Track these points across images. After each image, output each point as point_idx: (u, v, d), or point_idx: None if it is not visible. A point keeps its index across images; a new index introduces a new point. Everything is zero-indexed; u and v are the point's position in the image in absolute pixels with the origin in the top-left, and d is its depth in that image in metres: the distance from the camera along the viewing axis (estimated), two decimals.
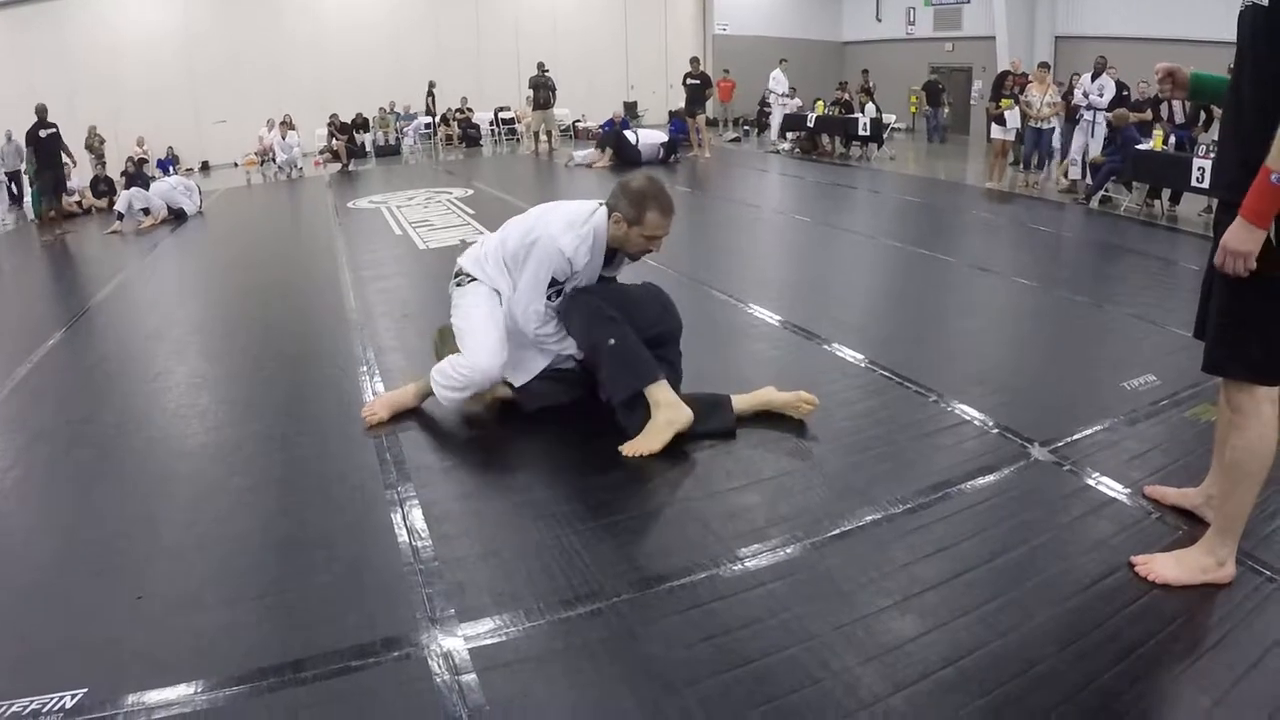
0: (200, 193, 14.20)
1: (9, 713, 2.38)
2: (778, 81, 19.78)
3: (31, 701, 2.41)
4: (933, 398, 4.27)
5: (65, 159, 15.23)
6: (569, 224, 3.91)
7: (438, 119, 23.13)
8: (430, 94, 22.91)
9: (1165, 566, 2.80)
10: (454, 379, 4.06)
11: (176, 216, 13.16)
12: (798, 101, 20.87)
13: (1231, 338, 2.61)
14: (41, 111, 14.73)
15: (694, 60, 18.58)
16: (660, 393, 3.81)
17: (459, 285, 4.23)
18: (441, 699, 2.37)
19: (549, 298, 3.97)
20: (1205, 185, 9.19)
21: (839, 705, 2.27)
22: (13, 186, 16.11)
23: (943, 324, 5.91)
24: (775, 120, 20.30)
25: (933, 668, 2.40)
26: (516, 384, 4.17)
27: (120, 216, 12.95)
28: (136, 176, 14.81)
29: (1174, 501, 3.23)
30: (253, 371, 5.48)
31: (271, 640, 2.68)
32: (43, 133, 14.76)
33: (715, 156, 17.46)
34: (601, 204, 3.98)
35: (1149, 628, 2.57)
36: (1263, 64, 2.44)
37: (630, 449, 3.76)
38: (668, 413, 3.79)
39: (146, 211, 13.10)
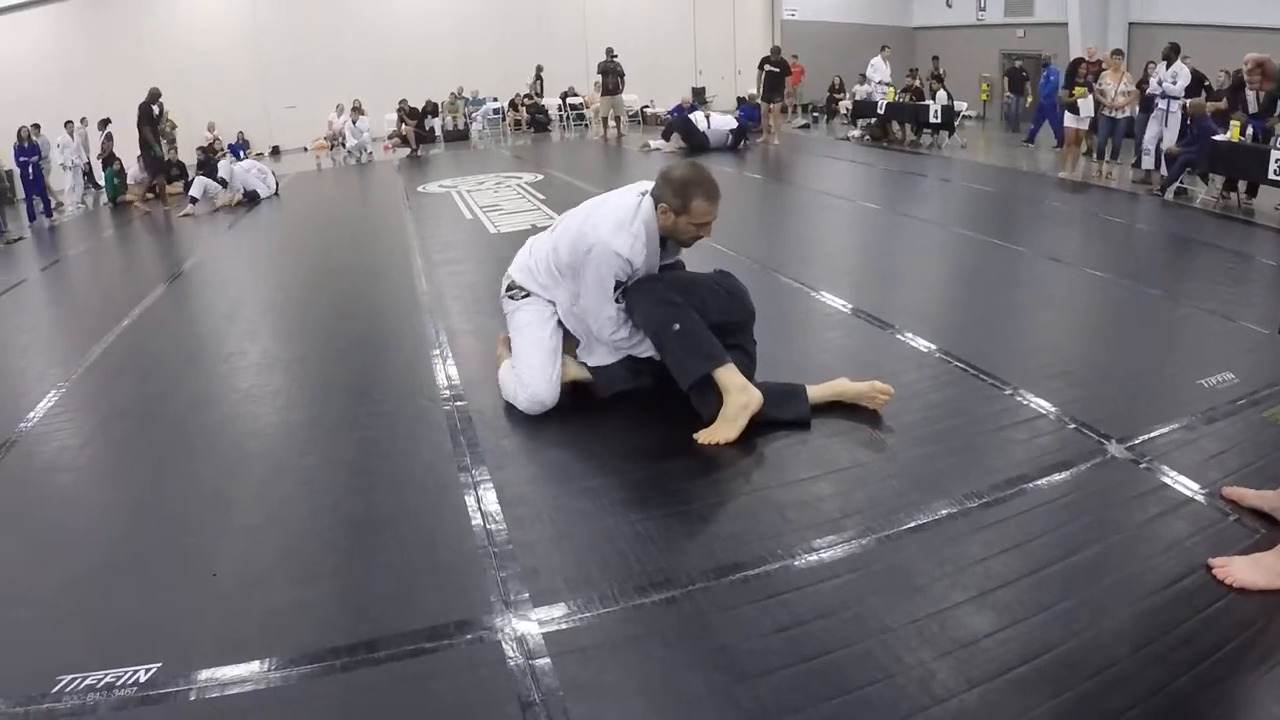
0: (275, 177, 14.39)
1: (84, 685, 2.43)
2: (877, 69, 18.98)
3: (106, 674, 2.46)
4: (1006, 390, 4.21)
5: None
6: (618, 224, 3.85)
7: (526, 102, 23.31)
8: (538, 78, 23.14)
9: (1243, 570, 2.75)
10: (514, 396, 4.15)
11: (250, 199, 13.36)
12: (868, 88, 20.69)
13: None
14: (154, 94, 15.33)
15: (775, 49, 18.39)
16: (730, 377, 3.78)
17: (511, 299, 4.26)
18: (515, 682, 2.39)
19: (616, 300, 3.94)
20: None
21: (913, 700, 2.26)
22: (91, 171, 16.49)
23: (1015, 315, 5.83)
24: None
25: (1008, 665, 2.37)
26: (591, 364, 4.17)
27: (193, 200, 13.17)
28: (205, 164, 15.08)
29: (1253, 504, 3.16)
30: (325, 353, 5.57)
31: (344, 620, 2.71)
32: (156, 109, 15.39)
33: (784, 143, 17.35)
34: (645, 193, 3.92)
35: (1225, 632, 2.52)
36: None
37: (705, 437, 3.75)
38: (739, 397, 3.76)
39: (224, 185, 13.36)
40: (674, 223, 3.84)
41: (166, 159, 15.68)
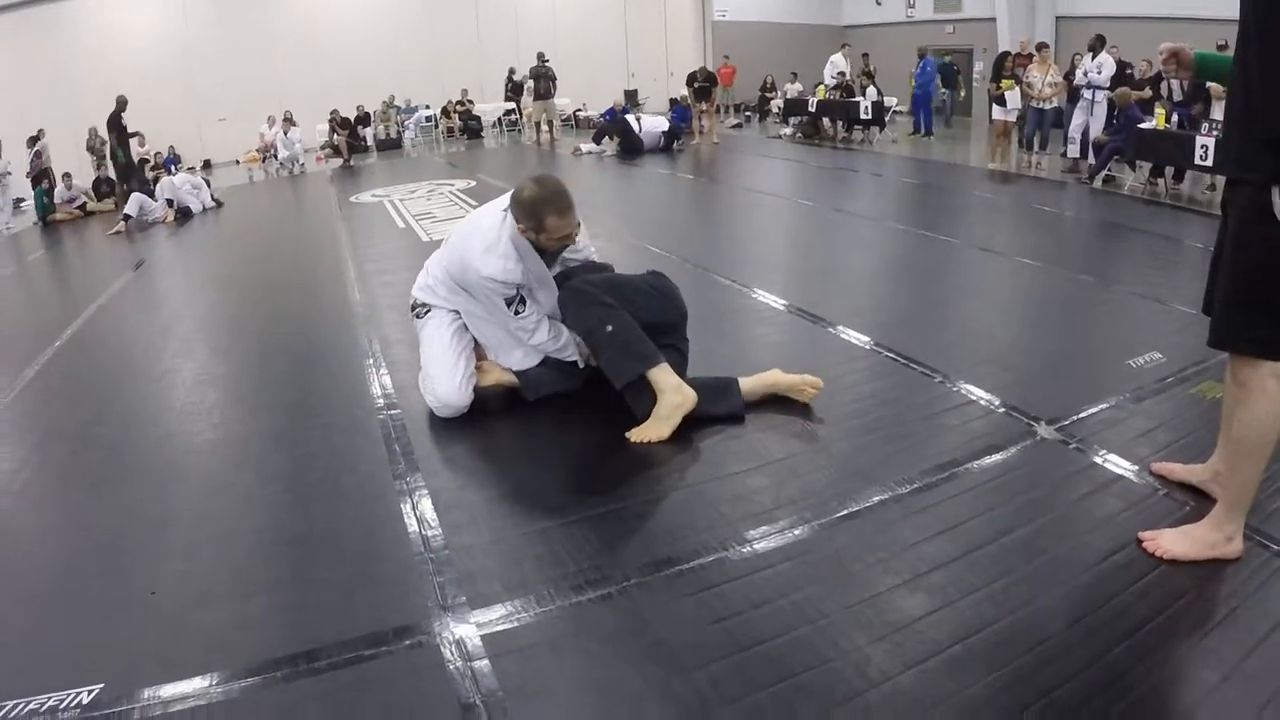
0: (211, 188, 14.23)
1: (27, 710, 2.40)
2: (837, 66, 18.90)
3: (49, 698, 2.43)
4: (938, 378, 4.27)
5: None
6: (487, 248, 3.87)
7: (459, 109, 23.27)
8: (510, 80, 23.18)
9: (1173, 542, 2.81)
10: (430, 401, 4.19)
11: (183, 215, 13.19)
12: (799, 86, 20.82)
13: (1240, 312, 2.61)
14: (122, 102, 15.84)
15: (702, 69, 18.93)
16: (663, 377, 3.81)
17: (418, 317, 4.30)
18: (454, 685, 2.39)
19: (517, 312, 3.96)
20: (1209, 163, 9.17)
21: (849, 684, 2.29)
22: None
23: (948, 305, 5.91)
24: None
25: (942, 646, 2.41)
26: (510, 367, 4.19)
27: (126, 219, 12.92)
28: (142, 181, 14.94)
29: (1181, 478, 3.23)
30: (259, 367, 5.51)
31: (284, 632, 2.70)
32: (124, 121, 15.95)
33: (717, 143, 17.45)
34: (507, 209, 3.92)
35: (1157, 604, 2.57)
36: (1270, 40, 2.43)
37: (638, 435, 3.77)
38: (673, 397, 3.79)
39: (170, 204, 13.23)
40: (536, 239, 3.87)
41: (122, 164, 15.89)
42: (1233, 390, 2.74)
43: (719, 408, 3.92)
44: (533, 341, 4.05)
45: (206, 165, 21.71)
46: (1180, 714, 2.24)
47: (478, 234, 3.94)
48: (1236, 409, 2.71)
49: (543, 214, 3.77)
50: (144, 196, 13.27)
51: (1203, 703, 2.23)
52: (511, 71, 23.18)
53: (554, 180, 3.89)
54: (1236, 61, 2.59)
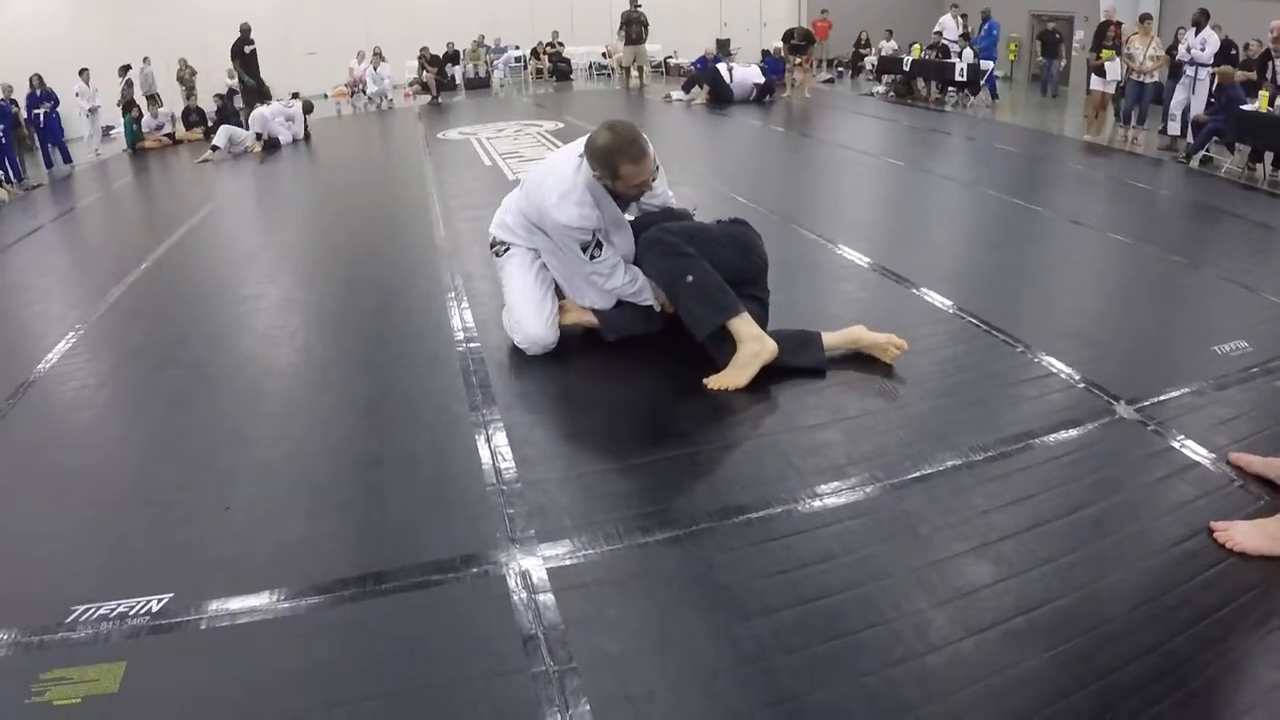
0: (306, 120, 14.37)
1: (97, 614, 2.49)
2: (947, 27, 18.31)
3: (119, 604, 2.52)
4: (1020, 348, 4.21)
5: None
6: (562, 195, 3.84)
7: (549, 51, 23.08)
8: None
9: (1245, 535, 2.75)
10: (517, 340, 4.21)
11: (270, 146, 13.39)
12: (894, 44, 20.47)
13: None
14: (245, 29, 16.50)
15: (799, 28, 18.53)
16: (744, 326, 3.79)
17: (497, 255, 4.31)
18: (518, 615, 2.43)
19: (592, 257, 3.95)
20: None
21: (908, 646, 2.29)
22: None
23: (1034, 275, 5.80)
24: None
25: (1004, 616, 2.39)
26: (595, 306, 4.20)
27: (214, 149, 13.15)
28: (225, 110, 15.17)
29: (1259, 470, 3.15)
30: (344, 296, 5.61)
31: (353, 552, 2.76)
32: (247, 49, 16.52)
33: (809, 98, 17.23)
34: (583, 155, 3.90)
35: (1223, 596, 2.52)
36: None
37: (715, 382, 3.76)
38: (752, 345, 3.77)
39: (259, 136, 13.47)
40: (613, 186, 3.87)
41: (251, 88, 16.37)
42: None
43: (800, 359, 3.89)
44: (608, 286, 4.05)
45: (295, 97, 21.92)
46: (1236, 711, 2.19)
47: (553, 179, 3.93)
48: None
49: (617, 162, 3.76)
50: (233, 128, 13.51)
51: (1261, 702, 2.18)
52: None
53: (627, 127, 3.85)
54: None
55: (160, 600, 2.53)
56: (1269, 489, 3.05)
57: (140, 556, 2.82)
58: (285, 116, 14.00)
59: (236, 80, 16.94)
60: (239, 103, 16.17)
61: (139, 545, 2.90)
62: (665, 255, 3.87)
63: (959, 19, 18.72)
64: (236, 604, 2.52)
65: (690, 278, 3.79)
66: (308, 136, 14.26)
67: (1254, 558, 2.68)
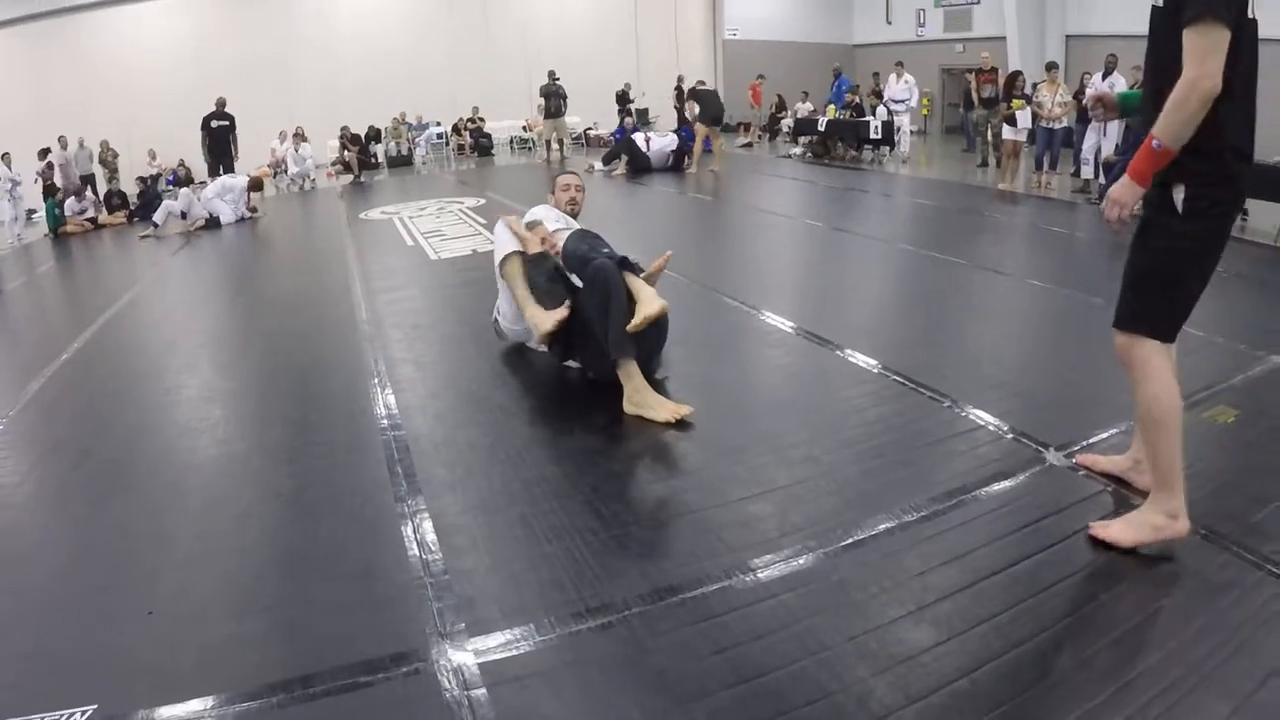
0: (249, 196, 14.30)
1: None
2: (893, 88, 18.04)
3: (44, 718, 2.42)
4: (946, 403, 4.24)
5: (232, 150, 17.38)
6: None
7: (470, 127, 23.21)
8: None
9: (1121, 531, 2.93)
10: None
11: (212, 224, 13.42)
12: (809, 105, 20.79)
13: (1142, 297, 2.92)
14: (220, 103, 17.00)
15: (714, 95, 18.23)
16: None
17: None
18: (451, 715, 2.36)
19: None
20: None
21: (851, 718, 2.25)
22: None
23: (956, 328, 5.87)
24: (904, 130, 17.84)
25: (946, 679, 2.38)
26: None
27: (155, 225, 13.35)
28: (147, 194, 15.07)
29: (1105, 469, 3.43)
30: (264, 384, 5.51)
31: (281, 655, 2.68)
32: (214, 123, 16.99)
33: (726, 162, 17.37)
34: None
35: (1165, 636, 2.55)
36: (1164, 55, 2.69)
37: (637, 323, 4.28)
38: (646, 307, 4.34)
39: (184, 216, 13.56)
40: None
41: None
42: (1131, 374, 2.94)
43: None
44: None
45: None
46: None
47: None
48: (1135, 390, 2.93)
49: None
50: (172, 203, 13.71)
51: None
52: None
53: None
54: (1149, 77, 2.91)
55: (84, 712, 2.44)
56: (1118, 483, 3.35)
57: (63, 665, 2.71)
58: (225, 192, 13.89)
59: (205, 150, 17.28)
60: (163, 185, 16.06)
61: (61, 653, 2.78)
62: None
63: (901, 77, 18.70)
64: (163, 714, 2.44)
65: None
66: (253, 211, 14.15)
67: (1129, 549, 2.91)
